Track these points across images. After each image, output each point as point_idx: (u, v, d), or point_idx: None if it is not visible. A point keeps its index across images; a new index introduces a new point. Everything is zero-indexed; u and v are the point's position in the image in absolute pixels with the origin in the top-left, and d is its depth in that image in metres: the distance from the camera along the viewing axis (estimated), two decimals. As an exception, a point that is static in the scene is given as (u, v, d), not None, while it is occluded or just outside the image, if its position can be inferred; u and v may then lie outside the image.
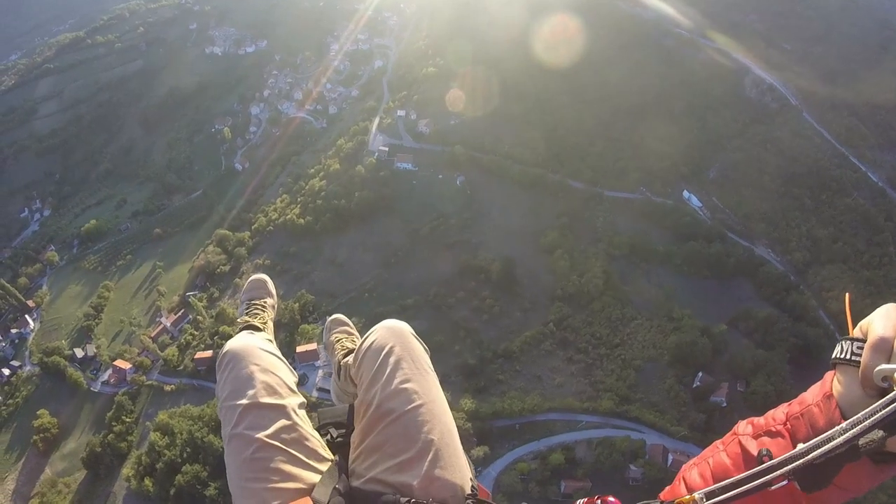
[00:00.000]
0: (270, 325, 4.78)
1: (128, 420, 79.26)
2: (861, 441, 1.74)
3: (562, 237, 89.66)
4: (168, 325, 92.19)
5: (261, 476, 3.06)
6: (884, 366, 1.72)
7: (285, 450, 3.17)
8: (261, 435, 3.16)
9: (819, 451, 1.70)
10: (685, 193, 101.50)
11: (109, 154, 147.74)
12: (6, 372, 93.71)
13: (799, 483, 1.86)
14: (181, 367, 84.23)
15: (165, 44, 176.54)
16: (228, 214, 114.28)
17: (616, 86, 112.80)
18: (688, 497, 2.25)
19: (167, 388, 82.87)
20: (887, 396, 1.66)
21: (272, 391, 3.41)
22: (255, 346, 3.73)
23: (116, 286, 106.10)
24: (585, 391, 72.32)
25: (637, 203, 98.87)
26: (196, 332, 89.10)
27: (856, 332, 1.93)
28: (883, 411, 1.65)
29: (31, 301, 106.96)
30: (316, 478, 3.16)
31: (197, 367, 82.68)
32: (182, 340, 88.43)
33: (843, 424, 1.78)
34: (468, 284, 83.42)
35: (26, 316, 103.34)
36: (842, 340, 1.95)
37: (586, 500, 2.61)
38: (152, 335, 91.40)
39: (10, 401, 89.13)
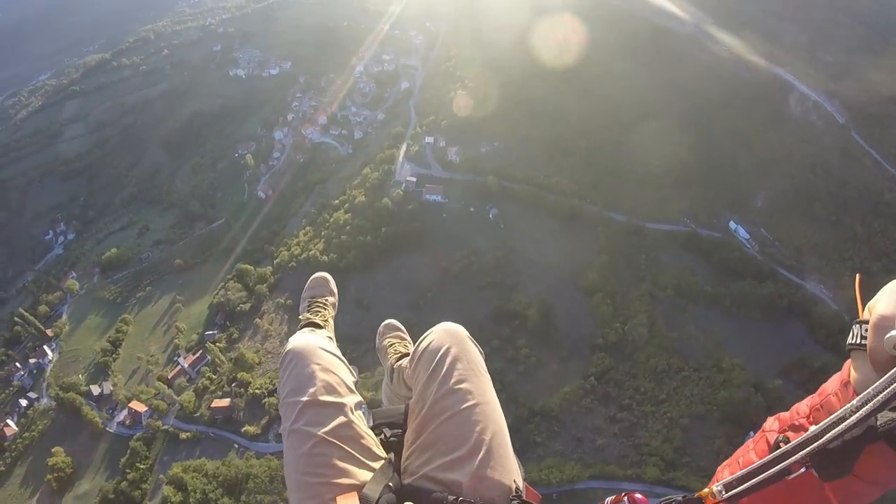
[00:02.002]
0: (331, 322, 4.80)
1: (142, 467, 76.03)
2: (878, 421, 1.69)
3: (602, 278, 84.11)
4: (186, 366, 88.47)
5: (317, 471, 3.11)
6: (891, 333, 1.67)
7: (341, 446, 3.22)
8: (319, 431, 3.22)
9: (831, 432, 1.74)
10: (731, 224, 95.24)
11: (134, 178, 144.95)
12: (24, 403, 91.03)
13: (816, 470, 1.94)
14: (198, 414, 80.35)
15: (189, 66, 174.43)
16: (250, 246, 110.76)
17: (654, 106, 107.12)
18: (706, 490, 2.28)
19: (183, 435, 79.05)
20: (894, 370, 1.62)
21: (331, 390, 3.46)
22: (317, 346, 3.80)
23: (135, 320, 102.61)
24: (629, 455, 66.72)
25: (681, 236, 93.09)
26: (214, 377, 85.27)
27: (865, 314, 1.92)
28: (892, 386, 1.60)
29: (50, 330, 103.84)
30: (369, 475, 3.17)
31: (213, 416, 78.95)
32: (199, 384, 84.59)
33: (854, 402, 1.74)
34: (502, 331, 78.19)
35: (45, 346, 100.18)
36: (854, 324, 1.94)
37: (614, 497, 2.72)
38: (169, 376, 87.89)
39: (27, 434, 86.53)
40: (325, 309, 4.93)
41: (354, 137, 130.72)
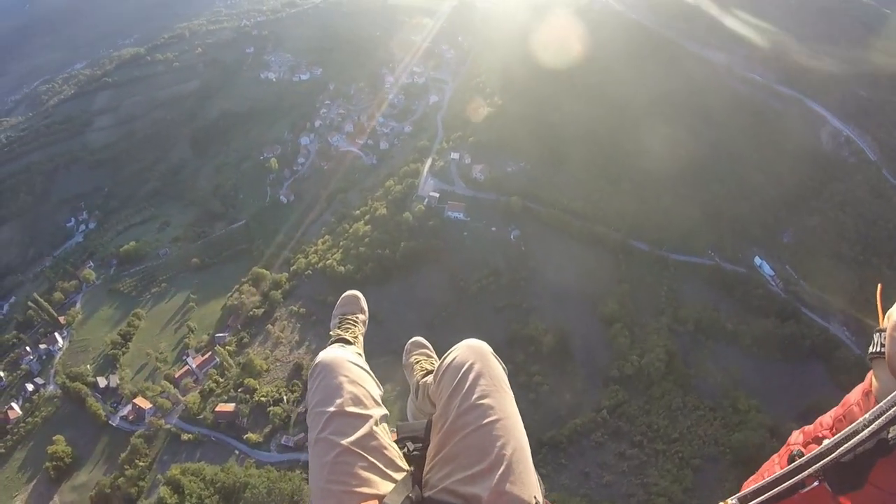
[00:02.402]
0: (361, 339, 4.94)
1: (141, 464, 75.77)
2: (890, 434, 1.68)
3: (621, 308, 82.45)
4: (194, 366, 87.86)
5: (341, 479, 3.18)
6: None
7: (365, 457, 3.28)
8: (344, 441, 3.29)
9: (844, 446, 1.77)
10: (756, 260, 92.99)
11: (158, 173, 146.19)
12: (30, 388, 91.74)
13: (829, 483, 1.95)
14: (201, 417, 79.63)
15: (222, 66, 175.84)
16: (268, 251, 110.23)
17: (685, 135, 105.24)
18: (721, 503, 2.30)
19: (185, 436, 78.49)
20: None
21: (358, 401, 3.55)
22: (345, 359, 3.91)
23: (147, 315, 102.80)
24: (636, 494, 64.65)
25: (705, 269, 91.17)
26: (220, 380, 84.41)
27: (884, 323, 1.92)
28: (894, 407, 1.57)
29: (62, 318, 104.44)
30: (391, 486, 3.23)
31: (217, 420, 78.28)
32: (206, 387, 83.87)
33: (866, 416, 1.74)
34: (517, 356, 76.46)
35: (56, 333, 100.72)
36: (874, 333, 1.95)
37: None
38: (177, 375, 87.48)
39: (30, 419, 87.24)
40: (356, 326, 5.05)
41: (380, 148, 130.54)
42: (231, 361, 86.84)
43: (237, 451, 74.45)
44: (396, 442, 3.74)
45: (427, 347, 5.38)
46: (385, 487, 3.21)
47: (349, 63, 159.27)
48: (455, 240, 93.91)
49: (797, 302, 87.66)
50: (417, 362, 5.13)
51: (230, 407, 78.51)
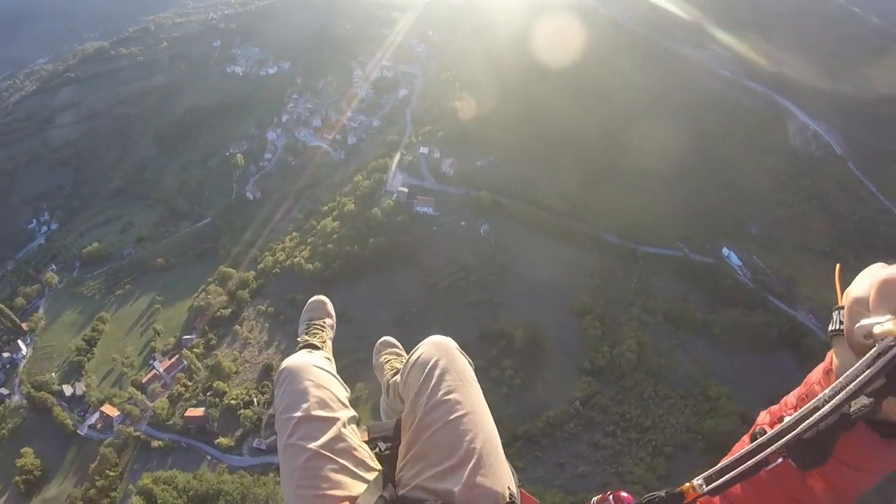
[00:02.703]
0: (329, 343, 4.93)
1: (111, 474, 73.69)
2: (852, 408, 1.71)
3: (593, 300, 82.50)
4: (161, 371, 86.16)
5: (312, 483, 3.19)
6: (861, 322, 1.68)
7: (335, 459, 3.29)
8: (312, 445, 3.29)
9: (805, 422, 1.81)
10: (724, 251, 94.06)
11: (122, 171, 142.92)
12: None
13: (793, 459, 1.98)
14: (171, 422, 77.85)
15: (188, 60, 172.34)
16: (235, 249, 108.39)
17: (656, 130, 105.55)
18: (688, 485, 2.35)
19: (155, 443, 76.59)
20: (867, 354, 1.64)
21: (324, 405, 3.55)
22: (310, 364, 3.91)
23: (112, 319, 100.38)
24: (612, 483, 64.32)
25: (674, 261, 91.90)
26: (189, 384, 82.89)
27: (843, 301, 1.92)
28: (866, 372, 1.62)
29: (25, 324, 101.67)
30: (363, 487, 3.24)
31: (187, 425, 76.55)
32: (174, 391, 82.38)
33: (826, 391, 1.77)
34: (489, 351, 75.93)
35: (19, 341, 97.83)
36: (833, 311, 1.95)
37: (599, 497, 2.81)
38: (144, 380, 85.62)
39: None
40: (323, 330, 5.00)
41: (348, 143, 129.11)
42: (199, 364, 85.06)
43: (209, 457, 72.86)
44: (367, 442, 3.71)
45: (396, 346, 5.38)
46: (357, 488, 3.20)
47: (318, 57, 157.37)
48: (424, 235, 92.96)
49: (765, 291, 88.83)
50: (387, 362, 5.14)
51: (200, 411, 76.82)
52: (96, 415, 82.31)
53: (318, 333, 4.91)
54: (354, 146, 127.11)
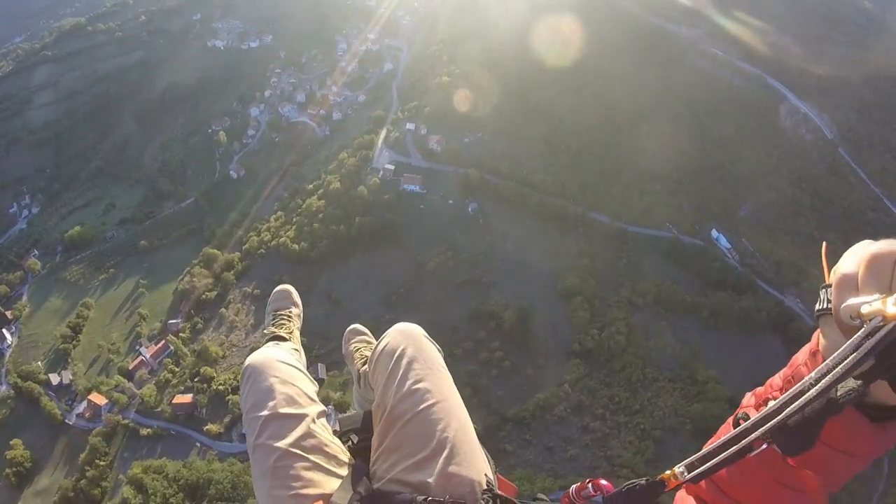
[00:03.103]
0: (296, 333, 4.83)
1: (102, 464, 73.19)
2: (839, 392, 1.67)
3: (582, 282, 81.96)
4: (148, 357, 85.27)
5: (283, 483, 3.14)
6: (848, 301, 1.63)
7: (306, 457, 3.25)
8: (281, 444, 3.25)
9: (790, 407, 1.79)
10: (714, 233, 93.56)
11: (102, 151, 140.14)
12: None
13: (778, 445, 1.98)
14: (159, 410, 77.31)
15: (167, 34, 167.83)
16: (219, 230, 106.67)
17: (647, 110, 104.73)
18: (669, 472, 2.30)
19: (144, 431, 76.01)
20: (854, 336, 1.58)
21: (292, 401, 3.49)
22: (274, 359, 3.81)
23: (97, 304, 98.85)
24: (601, 466, 64.84)
25: (664, 242, 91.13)
26: (176, 370, 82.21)
27: (831, 279, 1.86)
28: (853, 354, 1.58)
29: (9, 312, 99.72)
30: (337, 483, 3.20)
31: (175, 413, 76.00)
32: (161, 378, 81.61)
33: (812, 374, 1.73)
34: (477, 333, 75.92)
35: (3, 330, 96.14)
36: (820, 289, 1.89)
37: (578, 485, 2.77)
38: (131, 367, 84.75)
39: None
40: (290, 321, 4.87)
41: (333, 119, 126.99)
42: (185, 350, 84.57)
43: (198, 444, 72.55)
44: (340, 436, 3.62)
45: (366, 334, 5.30)
46: (331, 485, 3.14)
47: (301, 30, 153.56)
48: (412, 214, 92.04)
49: (753, 275, 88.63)
50: (357, 350, 5.06)
51: (188, 398, 76.15)
52: (84, 403, 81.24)
53: (284, 324, 4.78)
54: (340, 122, 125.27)
